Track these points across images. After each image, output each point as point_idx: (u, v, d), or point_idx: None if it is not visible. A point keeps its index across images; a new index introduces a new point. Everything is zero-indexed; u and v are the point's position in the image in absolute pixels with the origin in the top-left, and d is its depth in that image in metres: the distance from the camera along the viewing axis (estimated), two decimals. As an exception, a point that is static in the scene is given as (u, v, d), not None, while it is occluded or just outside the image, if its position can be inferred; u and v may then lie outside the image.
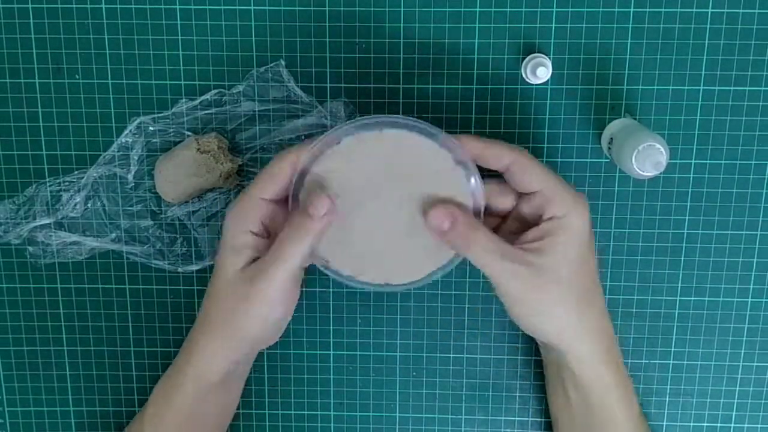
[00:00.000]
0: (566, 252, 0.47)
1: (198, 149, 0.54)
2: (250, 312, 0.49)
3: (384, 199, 0.49)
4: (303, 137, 0.56)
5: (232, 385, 0.55)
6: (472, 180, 0.48)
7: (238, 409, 0.62)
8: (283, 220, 0.49)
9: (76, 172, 0.57)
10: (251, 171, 0.57)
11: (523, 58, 0.55)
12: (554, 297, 0.47)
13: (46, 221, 0.58)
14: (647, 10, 0.54)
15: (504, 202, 0.50)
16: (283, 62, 0.55)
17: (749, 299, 0.58)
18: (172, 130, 0.57)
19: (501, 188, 0.49)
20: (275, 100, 0.56)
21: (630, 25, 0.54)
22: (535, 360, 0.60)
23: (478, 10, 0.55)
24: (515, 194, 0.49)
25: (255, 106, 0.56)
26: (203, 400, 0.53)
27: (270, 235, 0.50)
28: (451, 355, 0.60)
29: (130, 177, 0.57)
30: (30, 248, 0.58)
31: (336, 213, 0.48)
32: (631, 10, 0.54)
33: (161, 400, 0.54)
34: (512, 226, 0.50)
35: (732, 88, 0.55)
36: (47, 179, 0.57)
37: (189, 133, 0.56)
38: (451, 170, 0.48)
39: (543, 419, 0.61)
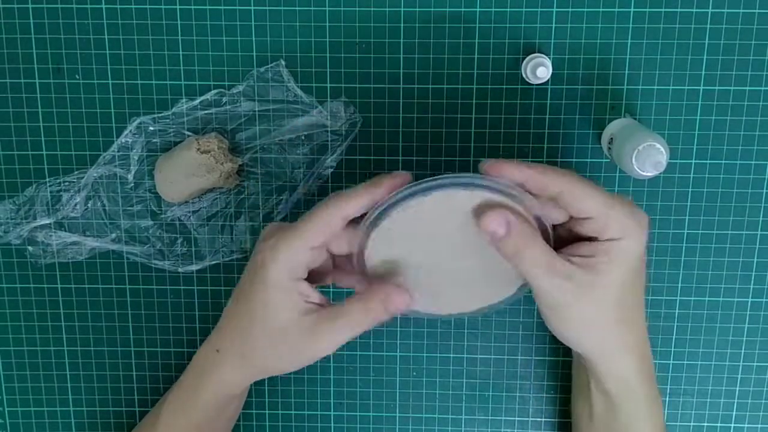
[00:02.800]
0: (618, 274, 0.46)
1: (198, 149, 0.54)
2: (301, 359, 0.49)
3: (448, 252, 0.48)
4: (303, 137, 0.56)
5: (245, 394, 0.56)
6: (522, 209, 0.46)
7: (238, 409, 0.62)
8: (322, 262, 0.50)
9: (76, 172, 0.57)
10: (251, 171, 0.57)
11: (523, 58, 0.55)
12: (596, 315, 0.47)
13: (46, 221, 0.58)
14: (647, 10, 0.54)
15: (557, 217, 0.48)
16: (283, 62, 0.55)
17: (749, 299, 0.58)
18: (172, 130, 0.57)
19: (554, 203, 0.47)
20: (275, 100, 0.56)
21: (630, 25, 0.54)
22: (535, 360, 0.60)
23: (478, 10, 0.55)
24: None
25: (255, 106, 0.56)
26: (220, 411, 0.53)
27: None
28: (451, 355, 0.60)
29: (130, 177, 0.57)
30: (30, 248, 0.58)
31: (412, 304, 0.48)
32: (631, 10, 0.54)
33: (177, 411, 0.54)
34: (562, 233, 0.48)
35: (732, 87, 0.55)
36: (47, 179, 0.57)
37: (189, 133, 0.56)
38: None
39: (543, 419, 0.61)
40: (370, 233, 0.47)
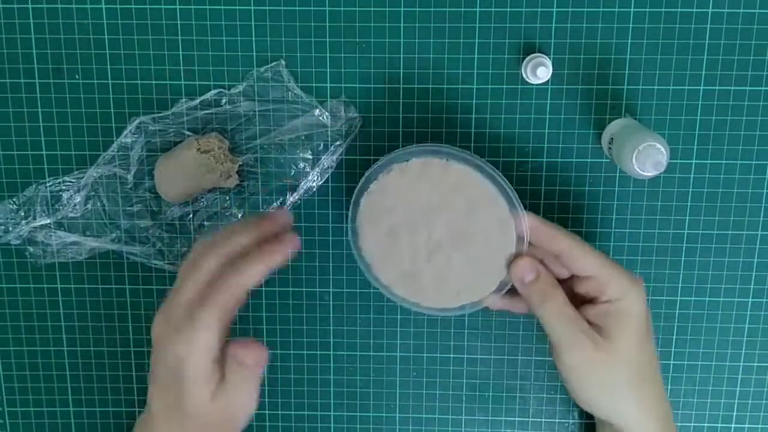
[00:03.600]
0: (628, 335, 0.48)
1: (198, 149, 0.54)
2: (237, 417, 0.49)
3: (434, 226, 0.52)
4: (303, 137, 0.56)
5: None
6: (518, 239, 0.51)
7: (238, 409, 0.62)
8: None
9: (76, 172, 0.57)
10: (251, 171, 0.57)
11: (523, 58, 0.55)
12: (616, 377, 0.49)
13: (46, 221, 0.58)
14: (647, 10, 0.54)
15: (559, 271, 0.51)
16: (283, 62, 0.55)
17: (750, 299, 0.58)
18: (172, 130, 0.57)
19: (557, 260, 0.51)
20: (275, 100, 0.56)
21: (630, 25, 0.54)
22: (535, 360, 0.60)
23: (478, 10, 0.55)
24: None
25: (255, 106, 0.56)
26: None
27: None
28: (451, 355, 0.60)
29: (130, 177, 0.57)
30: (30, 248, 0.58)
31: (265, 361, 0.48)
32: (632, 10, 0.54)
33: None
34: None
35: (732, 87, 0.55)
36: (47, 179, 0.57)
37: (189, 133, 0.56)
38: (505, 219, 0.51)
39: (543, 419, 0.61)
40: (357, 208, 0.52)
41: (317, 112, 0.56)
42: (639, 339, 0.49)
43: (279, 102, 0.56)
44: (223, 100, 0.56)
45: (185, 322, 0.46)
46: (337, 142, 0.56)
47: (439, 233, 0.52)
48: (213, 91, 0.56)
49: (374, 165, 0.51)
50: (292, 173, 0.57)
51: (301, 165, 0.57)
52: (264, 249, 0.47)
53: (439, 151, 0.51)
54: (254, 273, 0.46)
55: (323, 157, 0.57)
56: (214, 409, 0.47)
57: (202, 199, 0.58)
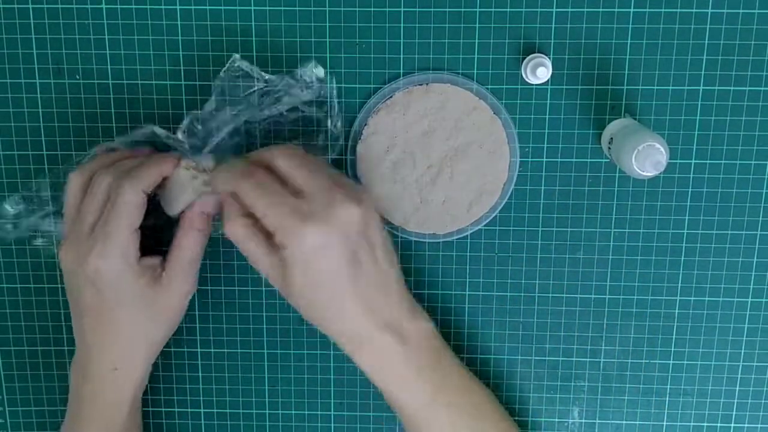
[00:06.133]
0: (291, 282, 0.48)
1: (185, 168, 0.52)
2: (174, 314, 0.54)
3: (431, 150, 0.56)
4: (286, 119, 0.55)
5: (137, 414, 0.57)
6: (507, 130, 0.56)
7: (238, 408, 0.62)
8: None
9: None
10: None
11: (523, 58, 0.55)
12: (302, 309, 0.50)
13: (47, 222, 0.57)
14: (647, 10, 0.54)
15: None
16: (237, 56, 0.54)
17: (749, 299, 0.58)
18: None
19: None
20: (248, 94, 0.54)
21: (630, 25, 0.54)
22: (534, 360, 0.60)
23: (478, 10, 0.55)
24: None
25: (232, 111, 0.54)
26: (138, 409, 0.56)
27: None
28: (451, 355, 0.60)
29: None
30: (40, 240, 0.58)
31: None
32: (631, 10, 0.54)
33: None
34: None
35: (732, 88, 0.55)
36: (47, 179, 0.57)
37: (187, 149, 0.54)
38: (490, 120, 0.55)
39: (543, 419, 0.61)
40: (357, 142, 0.56)
41: (283, 84, 0.53)
42: (306, 281, 0.47)
43: (251, 95, 0.54)
44: (197, 127, 0.53)
45: (92, 242, 0.49)
46: (335, 139, 0.56)
47: (437, 155, 0.56)
48: (186, 120, 0.53)
49: (360, 113, 0.55)
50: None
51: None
52: (156, 157, 0.51)
53: (419, 78, 0.55)
54: (149, 176, 0.50)
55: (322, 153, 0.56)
56: (151, 307, 0.52)
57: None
